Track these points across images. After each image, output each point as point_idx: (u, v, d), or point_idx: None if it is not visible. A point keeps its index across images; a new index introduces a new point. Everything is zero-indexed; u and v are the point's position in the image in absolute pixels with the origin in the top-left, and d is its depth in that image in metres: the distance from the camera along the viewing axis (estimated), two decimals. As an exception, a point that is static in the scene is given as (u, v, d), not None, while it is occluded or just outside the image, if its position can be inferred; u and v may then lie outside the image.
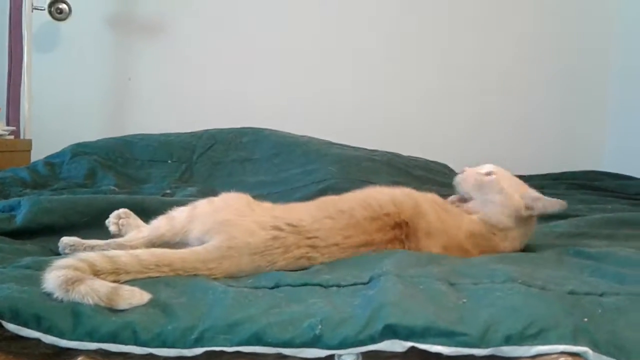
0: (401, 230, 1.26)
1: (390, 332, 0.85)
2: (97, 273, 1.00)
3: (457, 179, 1.41)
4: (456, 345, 0.84)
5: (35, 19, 2.90)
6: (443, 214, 1.31)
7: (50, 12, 2.91)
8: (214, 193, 1.65)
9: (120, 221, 1.41)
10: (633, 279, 1.06)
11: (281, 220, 1.19)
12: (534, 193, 1.35)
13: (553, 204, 1.32)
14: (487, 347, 0.84)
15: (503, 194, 1.33)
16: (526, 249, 1.39)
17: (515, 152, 3.12)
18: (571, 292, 0.97)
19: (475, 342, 0.84)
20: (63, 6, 2.92)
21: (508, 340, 0.83)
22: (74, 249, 1.24)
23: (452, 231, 1.29)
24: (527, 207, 1.32)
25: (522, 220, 1.33)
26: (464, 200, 1.40)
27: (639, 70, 3.10)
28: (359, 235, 1.22)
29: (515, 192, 1.34)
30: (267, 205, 1.31)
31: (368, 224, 1.24)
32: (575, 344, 0.82)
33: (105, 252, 1.06)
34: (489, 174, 1.36)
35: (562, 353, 0.82)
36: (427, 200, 1.33)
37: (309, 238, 1.18)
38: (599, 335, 0.84)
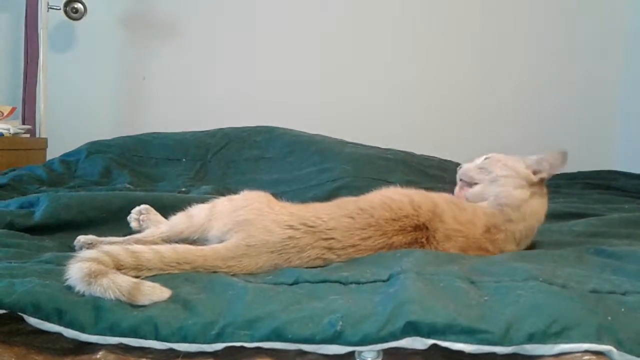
0: (421, 233, 1.25)
1: (412, 329, 0.84)
2: (119, 267, 1.01)
3: (459, 171, 1.43)
4: (478, 343, 0.83)
5: (51, 19, 2.92)
6: (458, 212, 1.29)
7: (65, 12, 2.94)
8: (229, 191, 1.65)
9: (141, 217, 1.42)
10: (655, 278, 1.05)
11: (297, 219, 1.19)
12: (531, 157, 1.35)
13: (556, 157, 1.32)
14: (509, 345, 0.83)
15: (507, 167, 1.33)
16: (545, 247, 1.37)
17: (528, 153, 3.10)
18: (593, 291, 0.96)
19: (497, 340, 0.83)
20: (78, 5, 2.95)
21: (531, 339, 0.82)
22: (92, 247, 1.24)
23: (469, 230, 1.28)
24: (535, 172, 1.33)
25: (535, 188, 1.33)
26: (469, 185, 1.39)
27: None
28: (377, 237, 1.21)
29: (516, 163, 1.34)
30: (286, 203, 1.30)
31: (388, 225, 1.22)
32: (600, 342, 0.81)
33: (129, 247, 1.06)
34: (486, 158, 1.39)
35: (586, 352, 0.81)
36: (443, 200, 1.32)
37: (325, 239, 1.17)
38: (623, 333, 0.83)
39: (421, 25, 3.24)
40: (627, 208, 2.04)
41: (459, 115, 3.23)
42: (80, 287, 0.93)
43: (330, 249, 1.17)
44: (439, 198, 1.32)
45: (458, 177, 1.42)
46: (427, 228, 1.25)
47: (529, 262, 1.11)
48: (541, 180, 1.33)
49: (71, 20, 2.97)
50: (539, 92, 3.27)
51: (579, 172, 2.87)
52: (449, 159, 2.65)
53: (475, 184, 1.37)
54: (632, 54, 3.21)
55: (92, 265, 0.95)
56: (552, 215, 1.84)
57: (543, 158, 1.33)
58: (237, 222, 1.19)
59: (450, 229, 1.26)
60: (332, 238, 1.18)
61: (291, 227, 1.17)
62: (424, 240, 1.25)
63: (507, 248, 1.30)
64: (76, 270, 0.94)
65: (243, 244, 1.14)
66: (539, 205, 1.34)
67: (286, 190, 2.09)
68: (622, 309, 0.90)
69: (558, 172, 1.33)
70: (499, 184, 1.32)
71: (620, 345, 0.82)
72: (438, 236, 1.25)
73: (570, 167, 2.90)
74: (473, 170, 1.38)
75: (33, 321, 0.88)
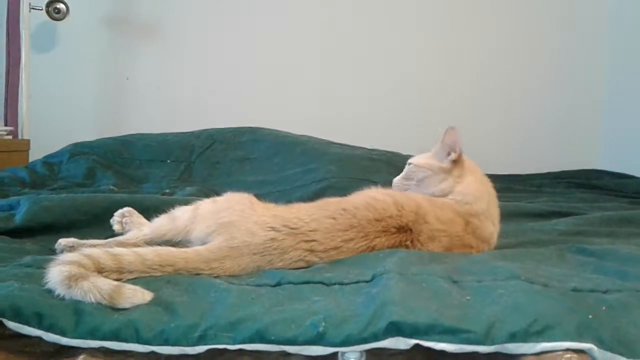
0: (405, 236, 1.25)
1: (394, 329, 0.85)
2: (101, 270, 1.00)
3: (393, 186, 1.45)
4: (460, 343, 0.84)
5: (33, 19, 2.89)
6: (439, 211, 1.30)
7: (47, 12, 2.91)
8: (214, 193, 1.65)
9: (124, 219, 1.41)
10: (636, 276, 1.06)
11: (279, 221, 1.18)
12: (436, 147, 1.41)
13: (447, 136, 1.37)
14: (491, 344, 0.83)
15: (424, 169, 1.38)
16: (528, 246, 1.38)
17: (513, 152, 3.13)
18: (574, 289, 0.97)
19: (479, 339, 0.83)
20: (60, 6, 2.92)
21: (512, 338, 0.83)
22: (73, 250, 1.23)
23: (452, 229, 1.28)
24: (448, 155, 1.37)
25: (457, 171, 1.36)
26: None
27: (636, 69, 3.11)
28: (360, 239, 1.20)
29: (429, 160, 1.40)
30: (269, 205, 1.30)
31: (370, 226, 1.22)
32: (581, 340, 0.82)
33: (110, 250, 1.05)
34: (409, 164, 1.43)
35: (568, 350, 0.82)
36: (424, 199, 1.32)
37: (307, 241, 1.17)
38: (604, 331, 0.84)
39: (409, 25, 3.25)
40: (610, 207, 2.06)
41: (444, 114, 3.23)
42: (60, 290, 0.92)
43: (312, 251, 1.17)
44: (420, 198, 1.32)
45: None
46: (410, 230, 1.25)
47: (511, 261, 1.12)
48: (454, 162, 1.37)
49: (53, 21, 2.94)
50: (523, 92, 3.29)
51: (563, 172, 2.89)
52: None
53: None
54: (616, 54, 3.24)
55: (72, 268, 0.94)
56: (535, 214, 1.86)
57: (442, 143, 1.38)
58: (219, 224, 1.18)
59: (434, 229, 1.26)
60: (314, 240, 1.17)
61: (273, 228, 1.16)
62: (408, 243, 1.25)
63: (488, 231, 1.32)
64: (56, 274, 0.94)
65: (225, 245, 1.13)
66: (474, 181, 1.38)
67: (272, 191, 2.08)
68: (603, 307, 0.91)
69: (460, 147, 1.37)
70: (425, 185, 1.37)
71: (601, 343, 0.83)
72: (422, 238, 1.25)
73: (555, 167, 2.94)
74: (400, 183, 1.42)
75: (12, 325, 0.87)
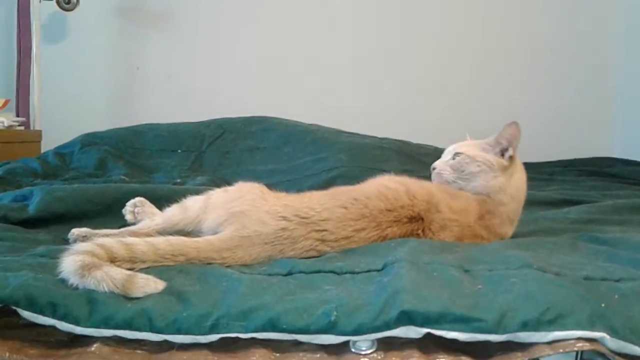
0: (417, 225, 1.25)
1: (406, 318, 0.85)
2: (113, 260, 1.01)
3: (434, 173, 1.40)
4: (472, 331, 0.83)
5: (43, 9, 2.90)
6: (452, 201, 1.29)
7: (58, 3, 2.91)
8: (224, 182, 1.65)
9: (136, 209, 1.42)
10: (649, 265, 1.05)
11: (290, 210, 1.19)
12: (490, 140, 1.36)
13: (510, 131, 1.33)
14: (503, 333, 0.83)
15: (480, 163, 1.33)
16: (539, 234, 1.38)
17: (523, 140, 3.10)
18: (587, 278, 0.96)
19: (491, 328, 0.83)
20: (71, -4, 2.92)
21: (525, 326, 0.83)
22: (86, 240, 1.23)
23: (464, 219, 1.28)
24: (502, 152, 1.34)
25: (510, 168, 1.34)
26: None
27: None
28: (371, 229, 1.20)
29: (482, 152, 1.35)
30: (281, 194, 1.30)
31: (382, 216, 1.22)
32: (593, 329, 0.81)
33: (123, 240, 1.06)
34: (455, 156, 1.37)
35: (580, 339, 0.81)
36: (437, 189, 1.32)
37: (318, 231, 1.17)
38: (617, 320, 0.83)
39: (419, 16, 3.23)
40: (622, 194, 2.04)
41: (456, 103, 3.22)
42: (73, 280, 0.93)
43: (323, 240, 1.17)
44: (432, 187, 1.32)
45: (433, 178, 1.40)
46: (422, 219, 1.25)
47: (523, 250, 1.12)
48: (511, 158, 1.35)
49: (64, 11, 2.95)
50: (536, 80, 3.26)
51: (575, 159, 2.87)
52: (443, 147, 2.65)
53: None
54: (630, 41, 3.20)
55: (85, 258, 0.95)
56: (547, 203, 1.85)
57: (500, 136, 1.34)
58: (231, 213, 1.19)
59: (446, 219, 1.26)
60: (325, 230, 1.17)
61: (284, 218, 1.17)
62: (420, 232, 1.25)
63: (503, 230, 1.31)
64: (69, 263, 0.94)
65: (237, 235, 1.13)
66: (520, 180, 1.37)
67: (282, 180, 2.09)
68: (616, 296, 0.90)
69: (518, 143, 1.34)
70: (473, 179, 1.33)
71: (613, 332, 0.82)
72: (434, 227, 1.25)
73: (567, 154, 2.91)
74: (447, 172, 1.36)
75: (27, 314, 0.88)
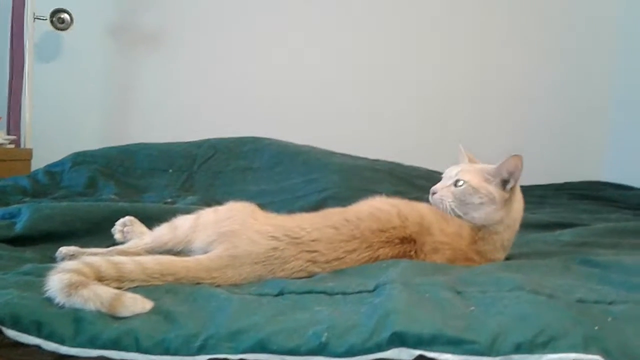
0: (409, 246, 1.24)
1: (398, 340, 0.84)
2: (101, 279, 0.99)
3: (434, 202, 1.34)
4: (465, 354, 0.82)
5: (37, 29, 2.90)
6: (444, 224, 1.28)
7: (52, 22, 2.91)
8: (215, 202, 1.64)
9: (125, 229, 1.40)
10: (641, 287, 1.05)
11: (281, 230, 1.18)
12: (491, 169, 1.31)
13: (512, 163, 1.29)
14: (497, 355, 0.82)
15: (482, 195, 1.29)
16: (532, 257, 1.37)
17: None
18: (580, 300, 0.96)
19: (484, 351, 0.82)
20: (65, 16, 2.92)
21: (518, 349, 0.82)
22: (74, 259, 1.22)
23: (456, 243, 1.27)
24: (503, 182, 1.30)
25: (509, 198, 1.31)
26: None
27: (641, 80, 3.11)
28: (363, 250, 1.20)
29: (484, 183, 1.30)
30: (271, 214, 1.29)
31: (374, 237, 1.21)
32: (587, 352, 0.81)
33: (111, 258, 1.05)
34: (457, 182, 1.31)
35: (574, 361, 0.80)
36: (429, 211, 1.31)
37: (309, 252, 1.16)
38: (610, 343, 0.83)
39: (413, 32, 3.25)
40: (614, 218, 2.05)
41: (447, 124, 3.23)
42: (60, 298, 0.91)
43: (314, 262, 1.16)
44: (425, 209, 1.31)
45: (433, 202, 1.35)
46: (414, 241, 1.24)
47: (515, 272, 1.11)
48: (512, 190, 1.31)
49: (57, 31, 2.95)
50: (527, 102, 3.29)
51: (566, 183, 2.88)
52: (435, 169, 2.65)
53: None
54: (621, 64, 3.23)
55: (72, 276, 0.93)
56: (539, 225, 1.85)
57: (502, 166, 1.30)
58: (221, 233, 1.18)
59: (437, 242, 1.26)
60: (316, 251, 1.16)
61: (275, 238, 1.16)
62: (412, 254, 1.24)
63: (496, 256, 1.30)
64: (56, 282, 0.93)
65: (227, 255, 1.12)
66: (518, 210, 1.35)
67: (273, 200, 2.07)
68: (609, 319, 0.90)
69: (518, 174, 1.31)
70: (479, 212, 1.29)
71: (607, 355, 0.81)
72: (426, 249, 1.25)
73: (558, 178, 2.92)
74: (449, 201, 1.30)
75: (11, 333, 0.86)
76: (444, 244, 1.26)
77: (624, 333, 0.86)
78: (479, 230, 1.29)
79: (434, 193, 1.35)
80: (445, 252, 1.25)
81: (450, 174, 1.36)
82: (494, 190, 1.29)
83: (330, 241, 1.18)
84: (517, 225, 1.34)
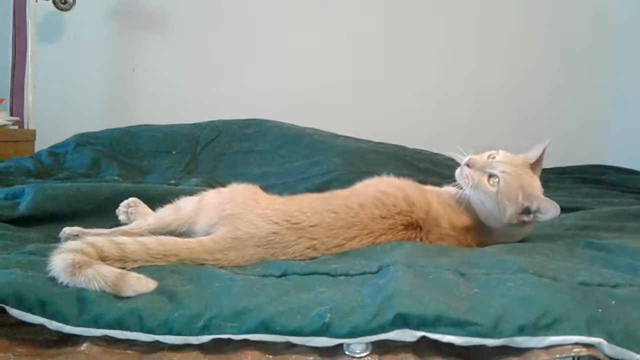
0: (413, 232, 1.23)
1: (401, 321, 0.84)
2: (104, 259, 0.99)
3: (461, 173, 1.29)
4: (468, 335, 0.83)
5: (39, 9, 2.88)
6: (454, 217, 1.28)
7: (54, 2, 2.89)
8: (218, 184, 1.64)
9: (129, 210, 1.40)
10: (646, 271, 1.05)
11: (280, 215, 1.17)
12: (527, 189, 1.24)
13: (546, 204, 1.23)
14: (499, 337, 0.82)
15: (499, 208, 1.24)
16: (536, 240, 1.37)
17: (519, 146, 3.10)
18: (583, 283, 0.96)
19: (487, 332, 0.82)
20: (67, -4, 2.90)
21: (521, 331, 0.82)
22: (77, 239, 1.22)
23: (462, 237, 1.27)
24: (527, 210, 1.25)
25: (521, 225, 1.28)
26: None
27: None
28: (364, 236, 1.19)
29: (511, 205, 1.23)
30: (273, 197, 1.29)
31: (375, 224, 1.20)
32: (590, 334, 0.81)
33: (114, 239, 1.05)
34: (492, 176, 1.25)
35: (576, 344, 0.80)
36: (438, 200, 1.29)
37: (309, 239, 1.15)
38: (614, 326, 0.83)
39: (414, 20, 3.22)
40: (617, 202, 2.04)
41: (452, 109, 3.22)
42: (63, 278, 0.91)
43: (314, 249, 1.15)
44: (433, 198, 1.29)
45: (461, 171, 1.29)
46: (420, 228, 1.24)
47: (519, 254, 1.11)
48: (525, 223, 1.27)
49: (60, 11, 2.93)
50: (531, 87, 3.27)
51: (569, 167, 2.87)
52: (443, 152, 2.65)
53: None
54: (625, 48, 3.21)
55: (75, 256, 0.93)
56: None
57: (535, 199, 1.24)
58: (222, 216, 1.17)
59: (445, 234, 1.26)
60: (316, 239, 1.16)
61: (275, 222, 1.15)
62: (417, 240, 1.24)
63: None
64: (59, 261, 0.93)
65: (229, 236, 1.12)
66: (520, 234, 1.33)
67: (276, 183, 2.07)
68: (612, 302, 0.89)
69: (543, 219, 1.25)
70: (484, 211, 1.27)
71: (610, 338, 0.81)
72: (432, 238, 1.25)
73: (562, 161, 2.91)
74: (469, 187, 1.26)
75: (16, 313, 0.87)
76: (451, 237, 1.26)
77: (628, 316, 0.86)
78: (484, 226, 1.28)
79: (469, 166, 1.27)
80: (452, 243, 1.26)
81: (494, 157, 1.29)
82: (510, 214, 1.24)
83: (330, 227, 1.17)
84: (514, 238, 1.32)
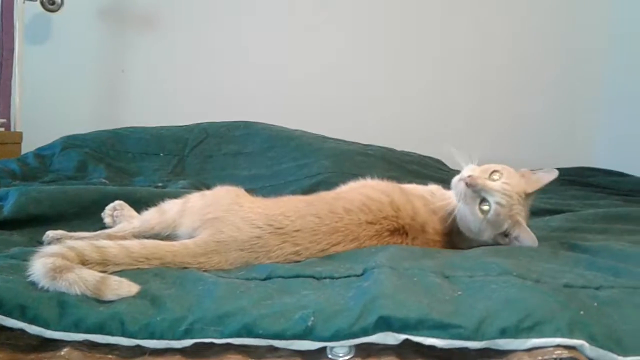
0: (399, 238, 1.23)
1: (384, 324, 0.83)
2: (85, 263, 0.99)
3: (457, 185, 1.29)
4: (450, 338, 0.82)
5: (27, 10, 2.86)
6: (438, 225, 1.29)
7: (42, 3, 2.87)
8: (206, 187, 1.63)
9: (115, 213, 1.40)
10: (629, 273, 1.05)
11: (263, 219, 1.16)
12: (516, 229, 1.24)
13: (527, 237, 1.24)
14: (481, 339, 0.82)
15: (479, 229, 1.25)
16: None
17: (508, 148, 3.11)
18: (567, 285, 0.96)
19: (469, 335, 0.82)
20: (55, -3, 2.89)
21: (503, 333, 0.82)
22: (60, 243, 1.21)
23: (446, 244, 1.29)
24: (506, 233, 1.25)
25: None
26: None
27: (632, 68, 3.11)
28: (348, 242, 1.19)
29: (493, 230, 1.24)
30: (257, 199, 1.28)
31: (360, 230, 1.20)
32: (572, 337, 0.81)
33: (95, 242, 1.04)
34: (484, 200, 1.23)
35: (558, 346, 0.80)
36: (424, 208, 1.29)
37: (292, 244, 1.15)
38: (596, 328, 0.83)
39: (403, 21, 3.23)
40: (602, 204, 2.05)
41: (441, 111, 3.23)
42: (44, 282, 0.91)
43: (297, 254, 1.15)
44: (419, 204, 1.29)
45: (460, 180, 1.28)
46: (406, 234, 1.24)
47: (503, 257, 1.11)
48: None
49: (48, 12, 2.91)
50: (520, 89, 3.28)
51: (557, 168, 2.87)
52: (429, 155, 2.65)
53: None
54: (613, 52, 3.23)
55: (56, 260, 0.93)
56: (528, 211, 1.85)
57: (519, 229, 1.24)
58: (206, 219, 1.17)
59: (430, 240, 1.26)
60: (299, 244, 1.15)
61: (258, 227, 1.15)
62: (403, 245, 1.23)
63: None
64: (40, 266, 0.92)
65: (212, 240, 1.12)
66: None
67: (265, 185, 2.07)
68: (595, 304, 0.90)
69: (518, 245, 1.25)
70: (464, 221, 1.27)
71: (592, 340, 0.81)
72: (417, 243, 1.25)
73: (549, 164, 2.92)
74: (462, 197, 1.25)
75: (-5, 317, 0.86)
76: (437, 242, 1.27)
77: (610, 318, 0.86)
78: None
79: (467, 184, 1.23)
80: (437, 247, 1.27)
81: (493, 184, 1.24)
82: (489, 234, 1.26)
83: (314, 232, 1.17)
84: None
